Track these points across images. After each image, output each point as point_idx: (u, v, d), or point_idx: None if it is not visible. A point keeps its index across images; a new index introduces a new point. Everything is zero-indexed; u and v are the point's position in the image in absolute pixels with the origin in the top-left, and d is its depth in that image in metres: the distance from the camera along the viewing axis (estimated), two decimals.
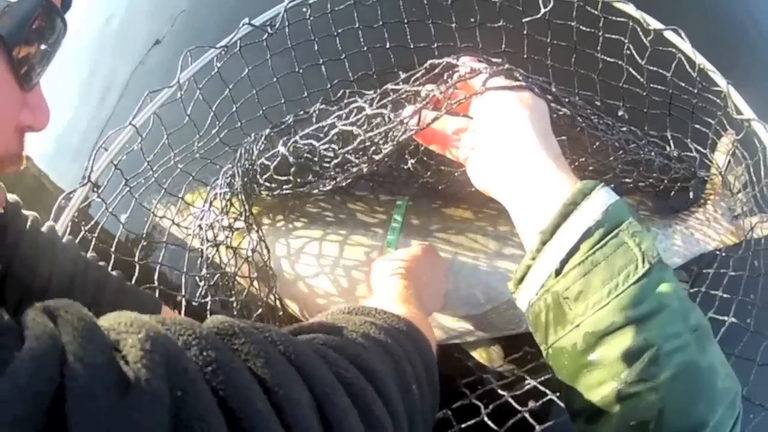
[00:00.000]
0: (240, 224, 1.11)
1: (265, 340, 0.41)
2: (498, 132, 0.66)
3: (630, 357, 0.53)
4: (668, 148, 1.22)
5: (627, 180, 1.14)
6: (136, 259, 1.05)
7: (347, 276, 1.13)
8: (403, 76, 0.82)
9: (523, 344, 1.16)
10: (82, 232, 1.00)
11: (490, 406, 1.02)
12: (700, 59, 1.08)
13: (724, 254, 1.22)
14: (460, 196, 1.20)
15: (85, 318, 0.33)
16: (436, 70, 0.78)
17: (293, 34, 1.25)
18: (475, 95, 0.68)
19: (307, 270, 1.15)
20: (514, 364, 1.14)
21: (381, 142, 0.81)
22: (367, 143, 0.82)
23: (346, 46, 1.32)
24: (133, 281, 0.97)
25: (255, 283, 1.08)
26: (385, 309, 0.65)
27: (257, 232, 1.11)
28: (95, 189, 1.02)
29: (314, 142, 0.90)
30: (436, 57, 1.24)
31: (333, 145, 0.88)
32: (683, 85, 1.13)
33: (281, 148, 0.96)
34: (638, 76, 1.17)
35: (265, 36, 1.22)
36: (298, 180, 1.01)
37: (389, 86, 0.82)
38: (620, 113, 1.29)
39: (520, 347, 1.15)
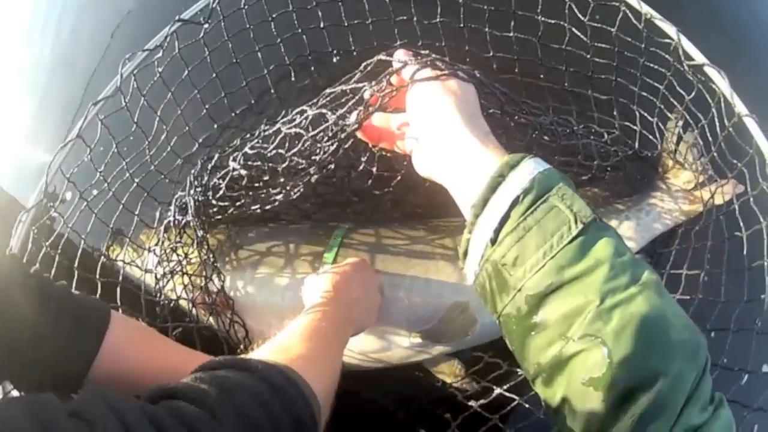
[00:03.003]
0: (193, 252, 1.01)
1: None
2: (428, 121, 0.63)
3: (572, 315, 0.48)
4: (605, 136, 1.03)
5: (569, 173, 0.95)
6: (98, 275, 0.95)
7: (292, 296, 1.01)
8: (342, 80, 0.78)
9: (483, 356, 1.03)
10: (44, 249, 0.89)
11: (459, 418, 0.95)
12: (646, 9, 0.87)
13: (684, 229, 1.02)
14: (406, 212, 1.09)
15: None
16: (369, 68, 0.74)
17: (228, 25, 1.08)
18: (403, 88, 0.66)
19: (255, 292, 1.04)
20: (477, 376, 1.01)
21: (325, 141, 0.76)
22: (311, 143, 0.77)
23: (281, 31, 1.13)
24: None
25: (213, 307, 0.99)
26: (271, 359, 0.61)
27: (212, 258, 1.00)
28: (52, 204, 0.92)
29: (262, 151, 0.84)
30: (371, 33, 1.09)
31: (280, 150, 0.81)
32: (629, 40, 0.92)
33: (232, 164, 0.88)
34: (582, 36, 0.95)
35: (202, 34, 1.05)
36: (250, 194, 0.92)
37: (327, 90, 0.78)
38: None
39: (480, 360, 1.02)
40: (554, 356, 0.49)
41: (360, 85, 0.71)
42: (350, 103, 0.71)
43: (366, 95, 0.70)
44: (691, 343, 0.47)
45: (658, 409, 0.44)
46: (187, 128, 1.12)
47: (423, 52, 0.68)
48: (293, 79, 1.18)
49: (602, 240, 0.50)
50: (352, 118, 0.71)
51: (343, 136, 0.74)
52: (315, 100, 0.80)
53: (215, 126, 1.18)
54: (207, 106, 1.14)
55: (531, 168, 0.53)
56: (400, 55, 0.68)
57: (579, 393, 0.47)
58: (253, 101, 1.19)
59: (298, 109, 0.80)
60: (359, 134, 0.76)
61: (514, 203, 0.51)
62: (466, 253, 0.56)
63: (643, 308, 0.47)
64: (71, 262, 0.93)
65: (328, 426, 0.65)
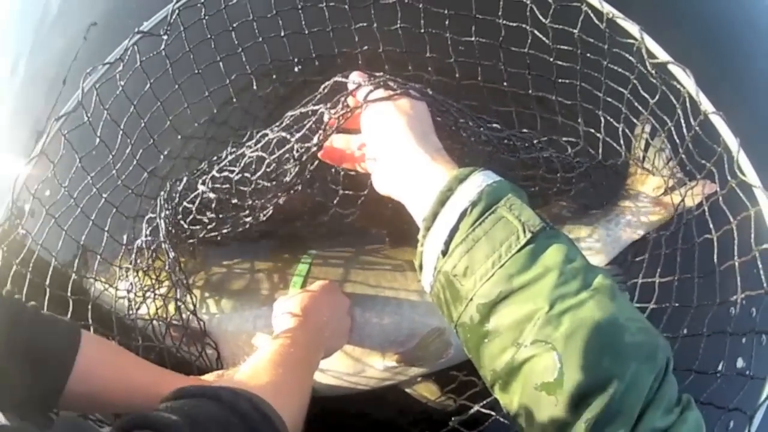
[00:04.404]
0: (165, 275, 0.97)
1: None
2: (382, 140, 0.63)
3: (523, 321, 0.47)
4: (569, 149, 0.99)
5: (533, 188, 0.93)
6: (69, 293, 0.89)
7: (264, 323, 0.96)
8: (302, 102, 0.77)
9: (458, 375, 0.98)
10: (14, 267, 0.84)
11: None
12: (607, 8, 0.81)
13: (655, 235, 0.96)
14: (372, 234, 1.03)
15: None
16: (326, 90, 0.74)
17: (189, 36, 1.02)
18: (358, 110, 0.66)
19: (227, 319, 0.98)
20: (453, 395, 0.96)
21: (289, 164, 0.75)
22: (275, 166, 0.76)
23: (242, 40, 1.06)
24: (68, 316, 0.86)
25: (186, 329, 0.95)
26: (240, 386, 0.59)
27: (185, 280, 0.95)
28: (19, 221, 0.88)
29: (229, 174, 0.82)
30: (332, 39, 1.03)
31: (246, 174, 0.79)
32: (592, 41, 0.86)
33: (201, 187, 0.85)
34: (544, 39, 0.89)
35: (163, 46, 0.98)
36: (220, 216, 0.89)
37: (289, 113, 0.77)
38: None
39: (455, 378, 0.97)
40: (507, 363, 0.48)
41: (318, 107, 0.70)
42: (308, 126, 0.71)
43: (325, 118, 0.69)
44: (647, 346, 0.45)
45: (613, 413, 0.42)
46: (151, 141, 1.05)
47: (377, 74, 0.67)
48: (255, 87, 1.11)
49: (552, 247, 0.49)
50: (314, 140, 0.70)
51: (304, 158, 0.73)
52: (278, 123, 0.78)
53: (179, 137, 1.11)
54: (170, 118, 1.07)
55: (479, 181, 0.52)
56: (355, 77, 0.68)
57: (533, 398, 0.46)
58: (215, 110, 1.12)
59: (261, 133, 0.79)
60: (321, 156, 0.75)
61: (463, 215, 0.51)
62: (421, 266, 0.56)
63: (593, 313, 0.45)
64: (42, 279, 0.87)
65: None
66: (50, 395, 0.68)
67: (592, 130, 1.00)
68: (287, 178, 0.77)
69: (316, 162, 0.76)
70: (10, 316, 0.68)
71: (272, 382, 0.65)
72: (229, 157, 0.85)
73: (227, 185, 0.83)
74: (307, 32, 1.04)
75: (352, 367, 0.93)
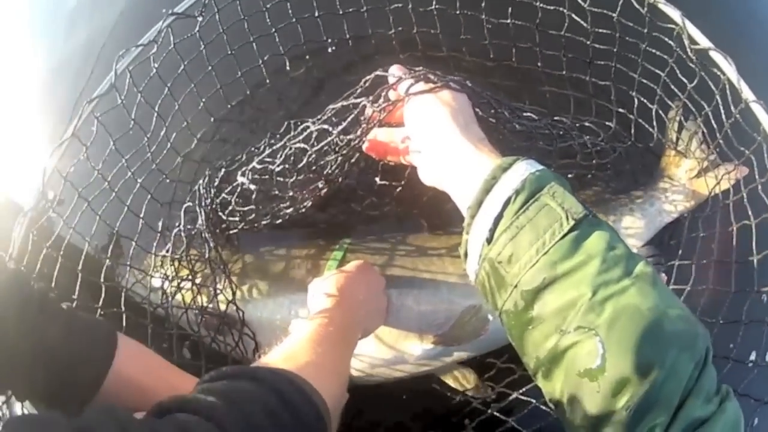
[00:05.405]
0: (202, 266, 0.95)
1: None
2: (427, 133, 0.64)
3: (566, 308, 0.47)
4: (601, 134, 0.97)
5: (570, 174, 0.92)
6: (102, 279, 0.87)
7: (300, 308, 0.95)
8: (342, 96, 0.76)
9: (495, 362, 0.97)
10: (44, 251, 0.81)
11: (476, 421, 0.92)
12: None
13: (692, 217, 0.95)
14: (408, 221, 1.01)
15: None
16: (367, 84, 0.74)
17: (222, 17, 1.00)
18: (400, 103, 0.66)
19: (262, 306, 0.97)
20: (491, 382, 0.96)
21: (330, 156, 0.76)
22: (316, 157, 0.76)
23: (275, 21, 1.05)
24: (100, 302, 0.84)
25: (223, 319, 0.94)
26: (279, 367, 0.57)
27: (225, 269, 0.94)
28: (50, 205, 0.85)
29: (270, 166, 0.81)
30: (366, 20, 1.01)
31: (287, 165, 0.79)
32: (631, 25, 0.84)
33: (241, 178, 0.85)
34: (582, 22, 0.88)
35: (197, 28, 0.97)
36: (260, 207, 0.89)
37: (330, 106, 0.77)
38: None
39: (492, 366, 0.97)
40: (551, 349, 0.48)
41: (359, 100, 0.70)
42: (350, 119, 0.71)
43: (368, 111, 0.69)
44: (687, 334, 0.45)
45: (653, 400, 0.43)
46: (185, 123, 1.04)
47: (417, 68, 0.67)
48: (288, 68, 1.10)
49: (594, 235, 0.49)
50: (356, 133, 0.71)
51: (344, 152, 0.74)
52: (319, 116, 0.78)
53: (212, 120, 1.10)
54: (203, 100, 1.06)
55: (523, 169, 0.52)
56: (395, 70, 0.69)
57: (575, 384, 0.46)
58: (248, 92, 1.11)
59: (302, 126, 0.79)
60: (366, 150, 0.75)
61: (507, 203, 0.51)
62: (466, 254, 0.56)
63: (635, 300, 0.45)
64: (74, 265, 0.85)
65: None
66: (87, 390, 0.67)
67: (624, 111, 0.99)
68: (328, 170, 0.78)
69: (357, 155, 0.77)
70: (47, 314, 0.66)
71: (312, 362, 0.63)
72: (268, 150, 0.85)
73: (267, 176, 0.83)
74: (341, 12, 1.03)
75: (389, 352, 0.93)
